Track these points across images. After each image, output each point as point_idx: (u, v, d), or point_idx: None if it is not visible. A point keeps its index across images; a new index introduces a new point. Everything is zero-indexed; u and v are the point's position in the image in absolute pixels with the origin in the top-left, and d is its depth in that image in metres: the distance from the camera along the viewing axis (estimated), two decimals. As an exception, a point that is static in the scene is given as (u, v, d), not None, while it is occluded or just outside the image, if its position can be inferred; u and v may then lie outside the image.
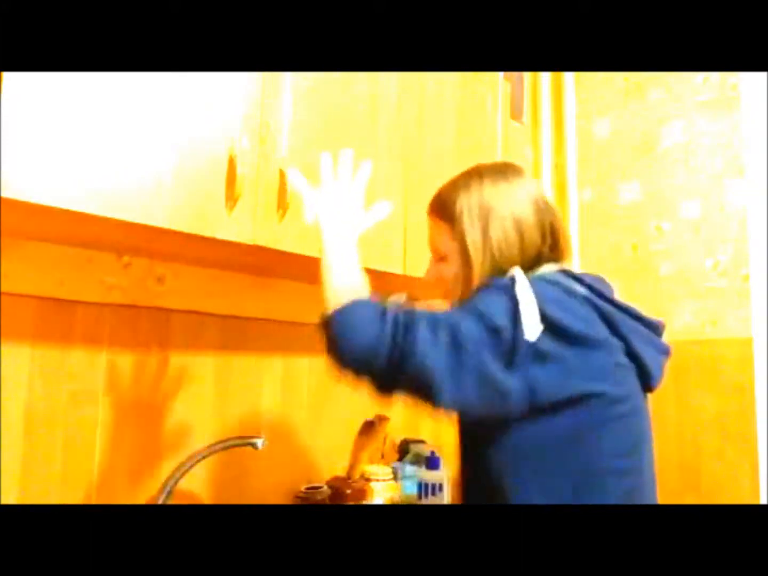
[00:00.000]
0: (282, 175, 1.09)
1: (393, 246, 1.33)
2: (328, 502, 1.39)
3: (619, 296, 0.95)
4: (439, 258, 0.99)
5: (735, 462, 1.82)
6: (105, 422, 1.14)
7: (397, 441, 1.75)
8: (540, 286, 0.84)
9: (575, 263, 2.15)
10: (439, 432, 1.91)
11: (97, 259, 1.13)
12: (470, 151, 1.59)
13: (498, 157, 1.68)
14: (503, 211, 0.93)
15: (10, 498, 1.01)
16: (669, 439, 1.90)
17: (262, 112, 1.06)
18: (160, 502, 1.15)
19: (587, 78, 2.26)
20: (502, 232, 0.92)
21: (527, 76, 2.27)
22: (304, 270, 1.34)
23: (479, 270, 0.93)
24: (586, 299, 0.87)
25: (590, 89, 2.25)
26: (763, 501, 1.76)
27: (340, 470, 1.51)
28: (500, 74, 1.75)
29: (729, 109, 1.97)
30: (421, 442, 1.74)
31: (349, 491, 1.42)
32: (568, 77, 2.26)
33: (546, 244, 0.94)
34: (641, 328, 0.91)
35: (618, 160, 2.17)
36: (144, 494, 1.18)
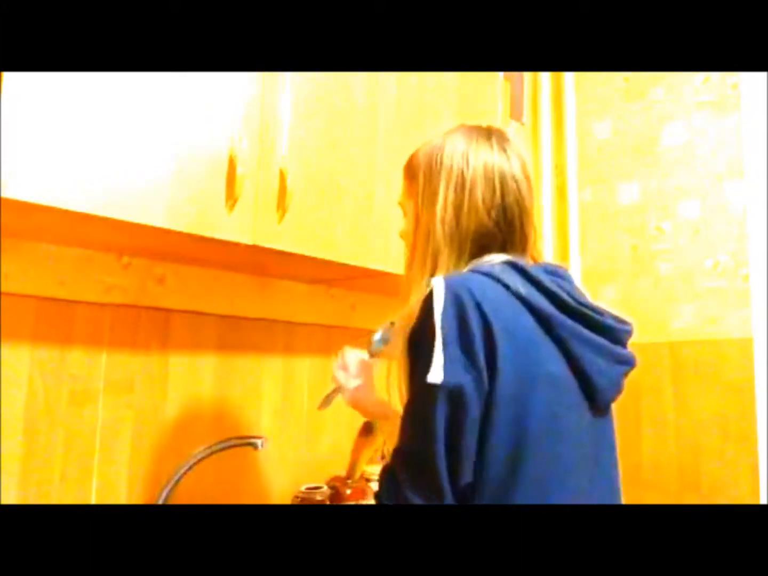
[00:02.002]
0: (282, 175, 1.09)
1: (393, 246, 1.33)
2: (328, 502, 1.39)
3: (577, 292, 0.85)
4: (403, 215, 0.96)
5: (735, 462, 1.82)
6: (105, 422, 1.13)
7: (397, 441, 1.75)
8: (475, 282, 0.78)
9: (575, 264, 2.15)
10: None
11: (97, 259, 1.13)
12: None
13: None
14: (457, 169, 0.85)
15: (10, 498, 1.01)
16: (669, 439, 1.90)
17: (262, 112, 1.06)
18: (160, 502, 1.15)
19: (587, 78, 2.26)
20: (452, 191, 0.85)
21: (527, 76, 2.27)
22: (304, 270, 1.34)
23: (419, 230, 0.87)
24: (522, 300, 0.79)
25: (590, 89, 2.25)
26: (763, 501, 1.76)
27: (340, 470, 1.51)
28: (500, 74, 1.75)
29: (729, 109, 1.97)
30: (421, 442, 1.74)
31: (349, 491, 1.42)
32: (568, 77, 2.26)
33: (501, 227, 0.85)
34: (590, 334, 0.82)
35: (618, 160, 2.17)
36: (144, 494, 1.18)
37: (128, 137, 0.89)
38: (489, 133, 0.89)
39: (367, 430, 1.50)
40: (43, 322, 1.07)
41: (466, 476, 0.75)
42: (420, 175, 0.89)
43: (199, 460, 1.18)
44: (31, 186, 0.78)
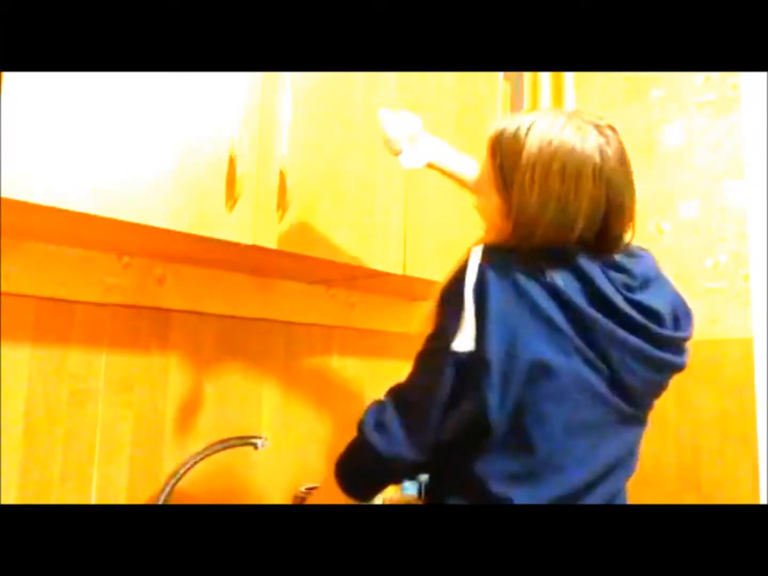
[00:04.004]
0: (282, 175, 1.09)
1: (393, 246, 1.32)
2: (328, 502, 1.39)
3: (634, 285, 0.82)
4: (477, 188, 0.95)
5: (735, 462, 1.82)
6: (105, 422, 1.13)
7: (397, 441, 1.75)
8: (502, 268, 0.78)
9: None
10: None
11: (97, 259, 1.13)
12: (470, 151, 1.58)
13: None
14: (548, 155, 0.78)
15: (10, 498, 1.01)
16: (669, 439, 1.90)
17: (262, 112, 1.06)
18: (160, 502, 1.15)
19: (587, 78, 2.26)
20: (538, 179, 0.78)
21: (527, 76, 2.27)
22: (304, 270, 1.34)
23: (504, 219, 0.83)
24: (563, 304, 0.77)
25: (590, 89, 2.25)
26: (763, 501, 1.75)
27: (340, 470, 1.51)
28: (500, 74, 1.74)
29: (729, 109, 1.96)
30: (421, 442, 1.74)
31: (349, 491, 1.42)
32: (568, 77, 2.25)
33: (590, 227, 0.79)
34: (625, 335, 0.79)
35: (618, 160, 2.16)
36: (144, 494, 1.18)
37: (128, 137, 0.89)
38: (599, 131, 0.81)
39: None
40: (43, 322, 1.07)
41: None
42: (501, 144, 0.84)
43: (199, 460, 1.18)
44: (31, 186, 0.78)
